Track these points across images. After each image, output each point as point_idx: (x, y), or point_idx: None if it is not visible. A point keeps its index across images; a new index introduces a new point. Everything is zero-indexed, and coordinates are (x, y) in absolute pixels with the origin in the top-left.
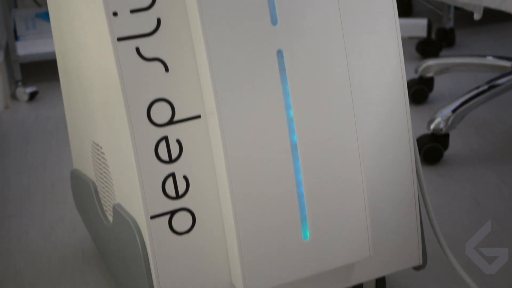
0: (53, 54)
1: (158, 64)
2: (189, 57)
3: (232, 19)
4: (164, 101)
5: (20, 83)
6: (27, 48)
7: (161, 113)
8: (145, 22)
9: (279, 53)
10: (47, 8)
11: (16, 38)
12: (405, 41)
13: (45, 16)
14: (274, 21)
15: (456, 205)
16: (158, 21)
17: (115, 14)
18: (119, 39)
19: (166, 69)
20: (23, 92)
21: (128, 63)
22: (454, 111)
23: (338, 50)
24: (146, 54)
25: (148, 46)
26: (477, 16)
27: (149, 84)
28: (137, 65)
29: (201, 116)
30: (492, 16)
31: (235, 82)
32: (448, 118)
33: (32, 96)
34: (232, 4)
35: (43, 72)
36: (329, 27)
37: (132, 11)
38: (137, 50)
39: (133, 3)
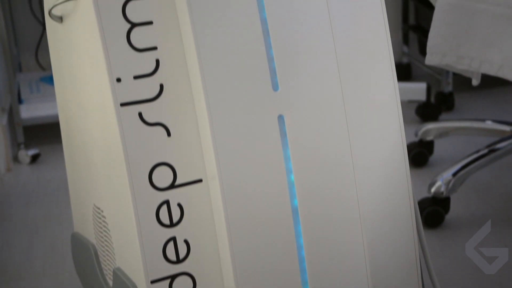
0: (56, 117)
1: (160, 129)
2: (191, 121)
3: (234, 85)
4: (166, 165)
5: (22, 146)
6: (30, 111)
7: (163, 177)
8: (148, 87)
9: (280, 118)
10: (51, 71)
11: (20, 101)
12: (405, 104)
13: (49, 79)
14: (275, 87)
15: (458, 269)
16: (161, 86)
17: (118, 80)
18: (122, 105)
19: (168, 134)
20: (25, 154)
21: (131, 128)
22: (454, 174)
23: (338, 115)
24: (149, 119)
25: (150, 111)
26: (475, 82)
27: (151, 149)
28: (139, 130)
29: (203, 180)
30: (491, 80)
31: (237, 147)
32: (449, 181)
33: (34, 158)
34: (234, 71)
35: (45, 134)
36: (330, 94)
37: (136, 77)
38: (140, 115)
39: (136, 69)
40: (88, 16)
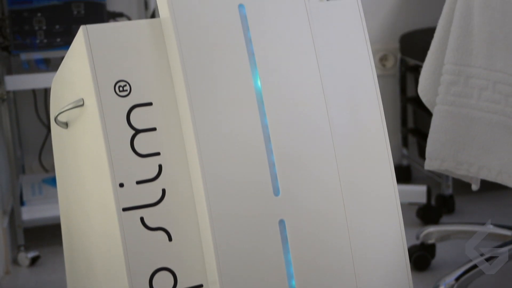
0: (58, 218)
1: (161, 234)
2: (192, 226)
3: (236, 190)
4: (166, 270)
5: (22, 248)
6: (32, 213)
7: (163, 282)
8: (150, 192)
9: (281, 222)
10: (54, 173)
11: (22, 203)
12: (405, 207)
13: (52, 181)
14: (276, 192)
15: None
16: (163, 191)
17: (121, 185)
18: (124, 209)
19: (170, 239)
20: (25, 257)
21: (132, 232)
22: (457, 279)
23: (339, 220)
24: (150, 224)
25: (152, 216)
26: (474, 187)
27: (152, 254)
28: (141, 235)
29: (203, 286)
30: (491, 184)
31: (238, 251)
32: (452, 286)
33: (34, 260)
34: (236, 176)
35: (46, 236)
36: (330, 199)
37: (138, 182)
38: (142, 219)
39: (139, 174)
40: (93, 122)
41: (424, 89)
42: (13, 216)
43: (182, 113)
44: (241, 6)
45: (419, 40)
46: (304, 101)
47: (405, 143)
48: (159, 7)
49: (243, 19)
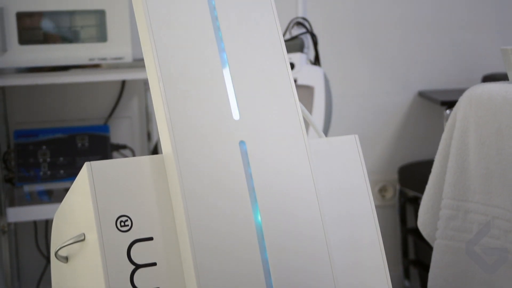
0: None
1: None
2: None
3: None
4: None
5: None
6: None
7: None
8: None
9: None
10: None
11: None
12: None
13: None
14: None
15: None
16: None
17: None
18: None
19: None
20: None
21: None
22: None
23: None
24: None
25: None
26: None
27: None
28: None
29: None
30: None
31: None
32: None
33: None
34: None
35: None
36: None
37: None
38: None
39: None
40: (94, 258)
41: (423, 223)
42: None
43: (182, 249)
44: (242, 142)
45: (418, 172)
46: (304, 232)
47: (406, 274)
48: (162, 144)
49: (244, 155)
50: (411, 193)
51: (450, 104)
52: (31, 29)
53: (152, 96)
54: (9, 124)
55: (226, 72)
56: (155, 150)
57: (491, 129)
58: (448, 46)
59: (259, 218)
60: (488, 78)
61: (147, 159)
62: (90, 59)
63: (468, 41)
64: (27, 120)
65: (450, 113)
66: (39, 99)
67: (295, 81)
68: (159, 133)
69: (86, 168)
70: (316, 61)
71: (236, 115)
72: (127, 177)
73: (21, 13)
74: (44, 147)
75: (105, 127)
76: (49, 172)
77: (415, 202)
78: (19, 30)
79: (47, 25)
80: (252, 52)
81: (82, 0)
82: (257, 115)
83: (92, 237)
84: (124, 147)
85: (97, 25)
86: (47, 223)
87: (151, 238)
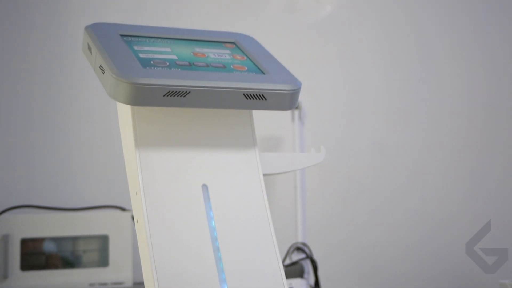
0: None
1: None
2: None
3: None
4: None
5: None
6: None
7: None
8: None
9: None
10: None
11: None
12: None
13: None
14: None
15: None
16: None
17: None
18: None
19: None
20: None
21: None
22: None
23: None
24: None
25: None
26: None
27: None
28: None
29: None
30: None
31: None
32: None
33: None
34: None
35: None
36: None
37: None
38: None
39: None
40: None
41: None
42: None
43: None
44: None
45: None
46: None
47: None
48: None
49: None
50: None
51: None
52: (34, 254)
53: None
54: None
55: None
56: None
57: None
58: None
59: None
60: None
61: None
62: (91, 284)
63: None
64: None
65: None
66: None
67: None
68: None
69: None
70: (317, 286)
71: None
72: None
73: (26, 239)
74: None
75: None
76: None
77: None
78: (22, 256)
79: (50, 249)
80: None
81: (86, 226)
82: None
83: None
84: None
85: (100, 249)
86: None
87: None
